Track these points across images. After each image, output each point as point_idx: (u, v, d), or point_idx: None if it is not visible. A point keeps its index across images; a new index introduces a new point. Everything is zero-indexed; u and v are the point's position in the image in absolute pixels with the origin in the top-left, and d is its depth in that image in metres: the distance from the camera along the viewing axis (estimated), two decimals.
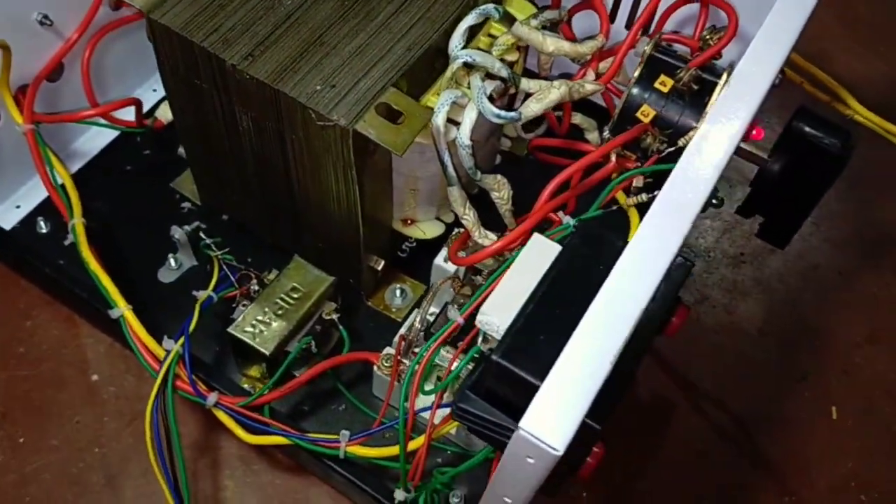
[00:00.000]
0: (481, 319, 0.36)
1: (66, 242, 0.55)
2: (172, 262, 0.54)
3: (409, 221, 0.54)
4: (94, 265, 0.47)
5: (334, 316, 0.49)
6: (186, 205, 0.58)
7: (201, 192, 0.57)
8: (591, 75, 0.48)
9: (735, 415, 0.55)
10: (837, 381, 0.57)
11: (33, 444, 0.50)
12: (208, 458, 0.51)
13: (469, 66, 0.45)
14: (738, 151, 0.41)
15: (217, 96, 0.45)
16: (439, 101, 0.44)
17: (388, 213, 0.51)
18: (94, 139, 0.60)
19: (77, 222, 0.49)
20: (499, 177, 0.48)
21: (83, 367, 0.53)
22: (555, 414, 0.29)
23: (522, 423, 0.29)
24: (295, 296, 0.49)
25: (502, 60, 0.47)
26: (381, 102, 0.42)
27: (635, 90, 0.46)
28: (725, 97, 0.38)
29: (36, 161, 0.51)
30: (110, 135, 0.60)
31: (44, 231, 0.56)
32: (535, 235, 0.38)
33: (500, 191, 0.48)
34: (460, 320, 0.40)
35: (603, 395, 0.30)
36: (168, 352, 0.45)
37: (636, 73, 0.46)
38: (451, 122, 0.45)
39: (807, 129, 0.45)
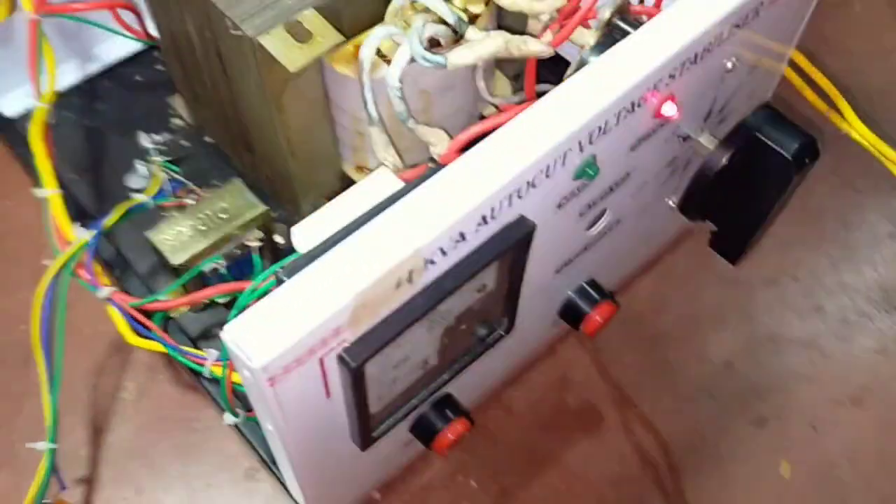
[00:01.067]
0: (293, 237, 0.34)
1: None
2: (142, 169, 0.56)
3: (363, 169, 0.52)
4: (37, 146, 0.49)
5: (255, 244, 0.49)
6: (177, 121, 0.59)
7: (190, 111, 0.58)
8: (548, 37, 0.44)
9: (666, 444, 0.49)
10: (801, 434, 0.50)
11: None
12: (118, 359, 0.52)
13: (415, 3, 0.43)
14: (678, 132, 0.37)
15: (176, 5, 0.46)
16: (371, 34, 0.42)
17: (329, 151, 0.50)
18: (116, 49, 0.62)
19: (42, 107, 0.51)
20: (440, 131, 0.45)
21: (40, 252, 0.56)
22: (266, 324, 0.27)
23: (226, 328, 0.27)
24: (222, 216, 0.49)
25: (465, 10, 0.45)
26: (295, 21, 0.41)
27: (589, 57, 0.42)
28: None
29: (30, 49, 0.54)
30: (132, 47, 0.62)
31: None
32: (382, 168, 0.36)
33: (437, 146, 0.45)
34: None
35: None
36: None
37: (592, 41, 0.42)
38: (386, 60, 0.44)
39: (762, 124, 0.40)
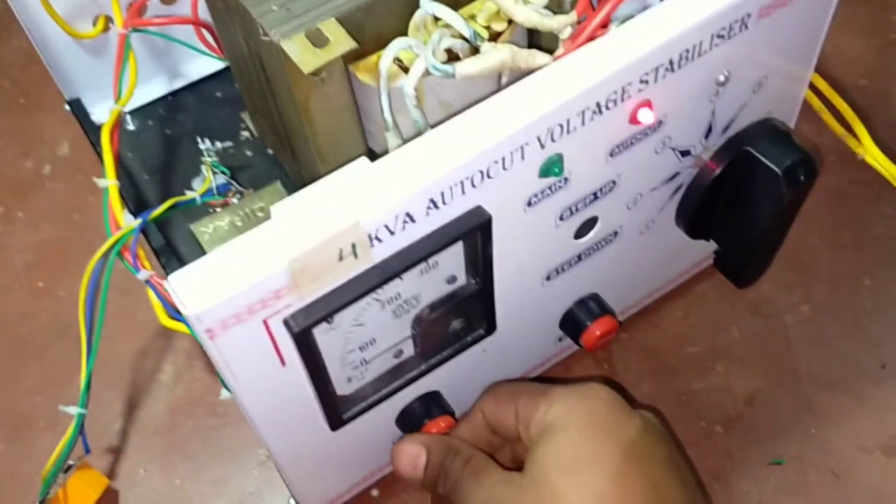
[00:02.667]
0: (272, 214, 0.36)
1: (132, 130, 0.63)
2: (205, 172, 0.61)
3: None
4: (105, 141, 0.54)
5: None
6: (245, 133, 0.64)
7: (253, 123, 0.62)
8: (560, 51, 0.46)
9: None
10: (820, 480, 0.47)
11: (48, 291, 0.59)
12: (162, 343, 0.56)
13: (438, 19, 0.46)
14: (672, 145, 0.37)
15: (228, 17, 0.51)
16: (391, 45, 0.45)
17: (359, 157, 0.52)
18: (201, 67, 0.68)
19: (117, 108, 0.56)
20: None
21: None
22: (208, 277, 0.30)
23: (170, 276, 0.30)
24: (259, 214, 0.53)
25: (488, 28, 0.47)
26: (315, 28, 0.44)
27: None
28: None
29: (117, 59, 0.60)
30: (215, 65, 0.68)
31: (131, 128, 0.65)
32: (363, 157, 0.38)
33: None
34: None
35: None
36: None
37: None
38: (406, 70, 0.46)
39: (755, 137, 0.39)
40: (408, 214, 0.32)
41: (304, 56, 0.43)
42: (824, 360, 0.51)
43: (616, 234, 0.43)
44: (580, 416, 0.38)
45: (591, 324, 0.45)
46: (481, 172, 0.33)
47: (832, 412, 0.49)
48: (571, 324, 0.45)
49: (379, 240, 0.32)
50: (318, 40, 0.44)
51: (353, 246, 0.32)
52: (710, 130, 0.41)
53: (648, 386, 0.51)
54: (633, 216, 0.43)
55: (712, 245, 0.52)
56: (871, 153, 0.42)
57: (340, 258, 0.31)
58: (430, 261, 0.35)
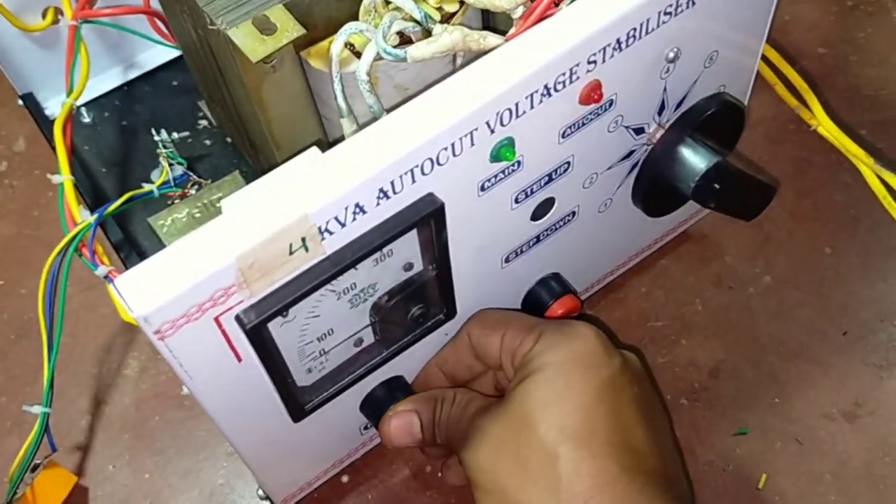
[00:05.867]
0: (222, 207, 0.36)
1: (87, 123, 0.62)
2: (163, 163, 0.60)
3: None
4: (58, 136, 0.53)
5: None
6: (203, 122, 0.63)
7: (211, 113, 0.62)
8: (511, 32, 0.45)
9: None
10: (784, 447, 0.48)
11: (8, 289, 0.59)
12: (126, 338, 0.56)
13: (388, 2, 0.45)
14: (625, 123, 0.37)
15: (177, 6, 0.50)
16: (341, 30, 0.45)
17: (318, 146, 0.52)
18: (156, 56, 0.67)
19: (69, 102, 0.55)
20: None
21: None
22: (154, 278, 0.29)
23: (117, 279, 0.29)
24: (219, 205, 0.52)
25: (440, 9, 0.47)
26: (261, 15, 0.43)
27: None
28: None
29: (68, 52, 0.59)
30: (171, 54, 0.67)
31: (86, 121, 0.64)
32: (314, 147, 0.37)
33: None
34: None
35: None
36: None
37: None
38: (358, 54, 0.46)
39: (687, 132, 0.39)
40: (357, 205, 0.32)
41: (251, 44, 0.42)
42: (787, 329, 0.52)
43: (574, 213, 0.43)
44: (561, 353, 0.38)
45: (552, 303, 0.45)
46: (431, 160, 0.33)
47: (796, 381, 0.50)
48: (533, 304, 0.45)
49: (330, 232, 0.32)
50: (265, 28, 0.43)
51: (303, 239, 0.31)
52: (663, 107, 0.41)
53: None
54: (590, 195, 0.43)
55: (673, 220, 0.52)
56: (823, 125, 0.42)
57: (291, 252, 0.31)
58: (385, 249, 0.35)
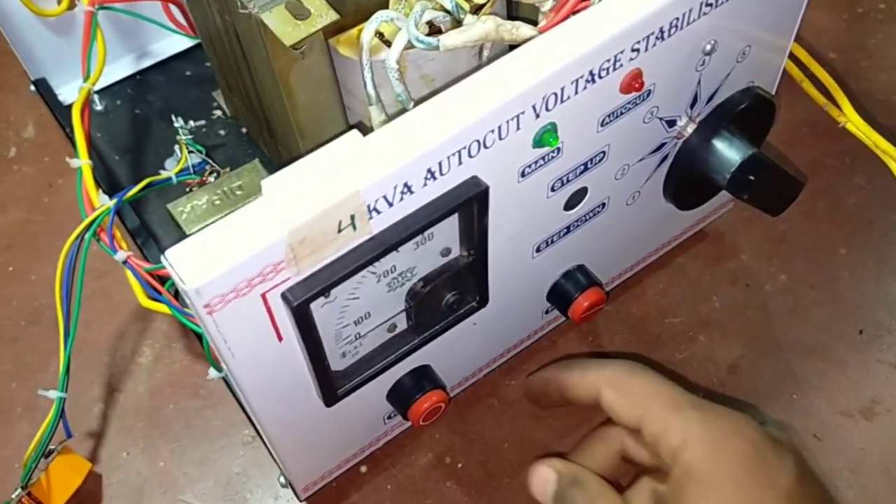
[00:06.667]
0: (263, 189, 0.36)
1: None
2: (179, 151, 0.59)
3: None
4: (76, 120, 0.53)
5: None
6: (218, 112, 0.63)
7: (226, 101, 0.61)
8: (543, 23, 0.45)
9: None
10: (802, 443, 0.48)
11: (19, 276, 0.58)
12: (140, 325, 0.55)
13: None
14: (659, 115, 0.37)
15: None
16: (372, 18, 0.45)
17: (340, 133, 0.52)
18: (170, 45, 0.67)
19: (86, 87, 0.55)
20: None
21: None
22: (205, 252, 0.29)
23: (167, 252, 0.29)
24: (238, 192, 0.52)
25: (469, 1, 0.47)
26: (296, 0, 0.43)
27: None
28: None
29: (84, 37, 0.58)
30: (185, 43, 0.66)
31: (98, 108, 0.64)
32: (354, 131, 0.37)
33: None
34: None
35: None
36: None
37: None
38: (387, 43, 0.46)
39: (723, 124, 0.39)
40: (406, 185, 0.32)
41: (284, 28, 0.42)
42: (803, 327, 0.52)
43: (604, 205, 0.43)
44: (727, 462, 0.33)
45: (578, 295, 0.45)
46: (478, 142, 0.33)
47: (813, 378, 0.50)
48: (559, 295, 0.45)
49: (377, 211, 0.32)
50: (298, 12, 0.43)
51: (352, 217, 0.31)
52: (695, 100, 0.41)
53: (632, 356, 0.52)
54: (620, 187, 0.43)
55: (693, 217, 0.52)
56: (853, 120, 0.43)
57: (339, 230, 0.31)
58: (426, 233, 0.35)
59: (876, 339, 0.51)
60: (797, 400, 0.50)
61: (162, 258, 0.29)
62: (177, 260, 0.29)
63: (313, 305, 0.33)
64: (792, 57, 0.44)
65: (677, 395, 0.38)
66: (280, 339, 0.34)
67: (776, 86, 0.46)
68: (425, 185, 0.32)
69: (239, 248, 0.29)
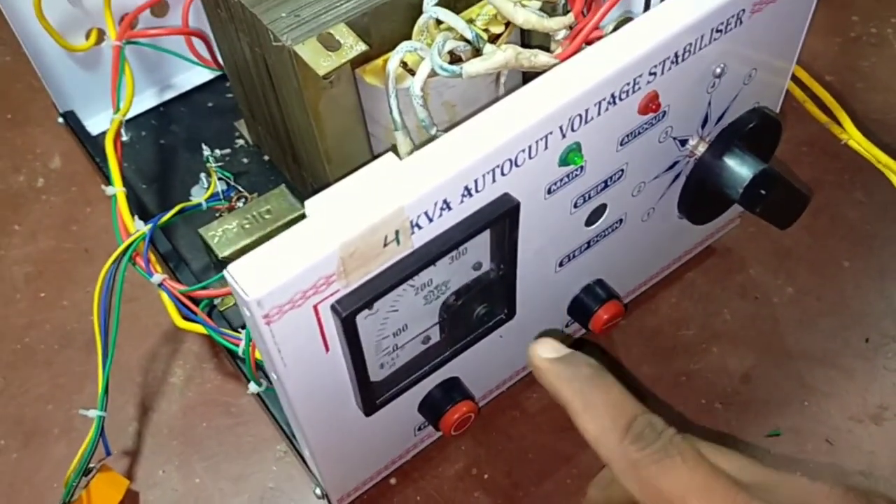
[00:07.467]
0: (307, 209, 0.38)
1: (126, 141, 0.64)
2: (205, 181, 0.62)
3: None
4: (110, 150, 0.55)
5: None
6: (240, 141, 0.65)
7: (250, 130, 0.64)
8: (558, 51, 0.48)
9: None
10: (816, 448, 0.50)
11: (51, 301, 0.60)
12: (171, 347, 0.57)
13: (440, 23, 0.48)
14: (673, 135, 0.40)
15: (232, 26, 0.52)
16: (397, 48, 0.47)
17: (364, 159, 0.54)
18: (192, 77, 0.69)
19: (117, 118, 0.57)
20: None
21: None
22: (264, 266, 0.31)
23: (230, 267, 0.31)
24: (266, 216, 0.54)
25: (487, 31, 0.50)
26: (326, 32, 0.46)
27: None
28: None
29: (113, 70, 0.61)
30: (206, 76, 0.69)
31: (124, 139, 0.66)
32: (389, 153, 0.40)
33: None
34: None
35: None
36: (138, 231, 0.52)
37: None
38: (411, 71, 0.48)
39: (734, 142, 0.42)
40: (445, 201, 0.34)
41: (317, 59, 0.45)
42: (812, 337, 0.54)
43: (621, 220, 0.45)
44: None
45: (598, 308, 0.47)
46: (510, 160, 0.35)
47: (823, 385, 0.52)
48: (580, 308, 0.47)
49: (419, 226, 0.34)
50: (329, 44, 0.46)
51: (397, 232, 0.33)
52: (706, 120, 0.44)
53: (649, 368, 0.54)
54: (637, 204, 0.45)
55: (703, 233, 0.55)
56: (854, 137, 0.45)
57: (385, 244, 0.33)
58: (461, 247, 0.37)
59: (882, 346, 0.54)
60: (808, 407, 0.52)
61: (225, 273, 0.31)
62: (239, 274, 0.31)
63: (358, 317, 0.35)
64: (794, 79, 0.47)
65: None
66: (327, 349, 0.35)
67: (779, 106, 0.49)
68: (462, 201, 0.35)
69: (294, 262, 0.31)
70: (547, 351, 0.38)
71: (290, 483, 0.51)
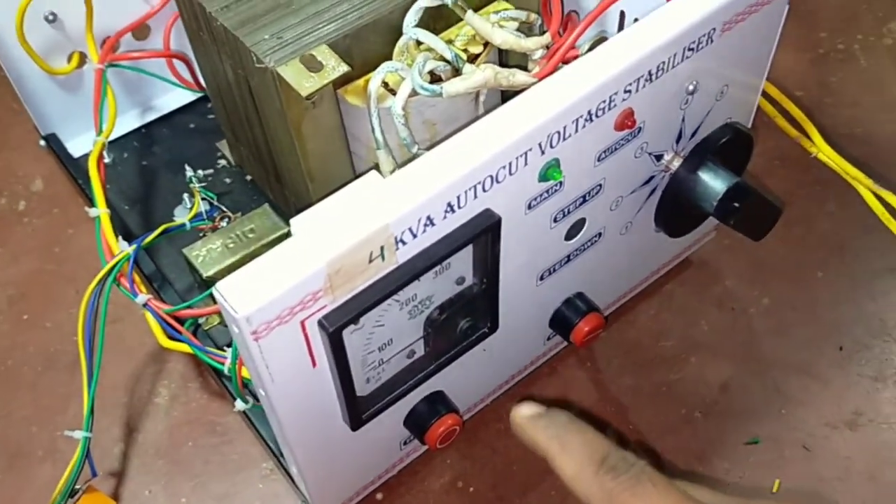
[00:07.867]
0: (292, 227, 0.38)
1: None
2: (188, 201, 0.62)
3: None
4: (93, 172, 0.55)
5: None
6: (222, 162, 0.66)
7: (232, 151, 0.64)
8: (536, 69, 0.49)
9: (662, 462, 0.51)
10: (793, 455, 0.51)
11: (34, 323, 0.60)
12: (156, 367, 0.57)
13: (420, 44, 0.49)
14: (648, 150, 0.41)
15: (214, 48, 0.53)
16: (378, 69, 0.48)
17: (346, 178, 0.55)
18: (173, 99, 0.70)
19: (100, 139, 0.58)
20: None
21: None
22: (251, 283, 0.32)
23: (218, 285, 0.32)
24: (250, 235, 0.54)
25: (466, 51, 0.51)
26: (308, 53, 0.47)
27: None
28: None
29: (95, 93, 0.61)
30: (187, 97, 0.69)
31: (106, 160, 0.66)
32: (373, 171, 0.41)
33: None
34: None
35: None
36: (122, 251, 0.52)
37: None
38: (392, 91, 0.49)
39: (708, 156, 0.43)
40: (428, 218, 0.35)
41: (300, 81, 0.46)
42: (787, 346, 0.56)
43: (600, 234, 0.46)
44: None
45: (579, 321, 0.48)
46: (491, 177, 0.36)
47: (798, 393, 0.53)
48: (561, 321, 0.48)
49: (403, 242, 0.35)
50: (312, 66, 0.47)
51: (382, 248, 0.34)
52: (680, 136, 0.45)
53: (630, 379, 0.55)
54: (615, 218, 0.46)
55: (681, 245, 0.56)
56: (823, 151, 0.46)
57: (370, 260, 0.34)
58: (444, 262, 0.38)
59: (855, 354, 0.55)
60: (785, 415, 0.53)
61: (213, 290, 0.32)
62: (227, 291, 0.31)
63: (345, 332, 0.36)
64: (765, 95, 0.48)
65: None
66: (314, 364, 0.36)
67: (751, 121, 0.50)
68: (445, 217, 0.36)
69: (282, 279, 0.32)
70: (527, 409, 0.42)
71: (276, 500, 0.51)
